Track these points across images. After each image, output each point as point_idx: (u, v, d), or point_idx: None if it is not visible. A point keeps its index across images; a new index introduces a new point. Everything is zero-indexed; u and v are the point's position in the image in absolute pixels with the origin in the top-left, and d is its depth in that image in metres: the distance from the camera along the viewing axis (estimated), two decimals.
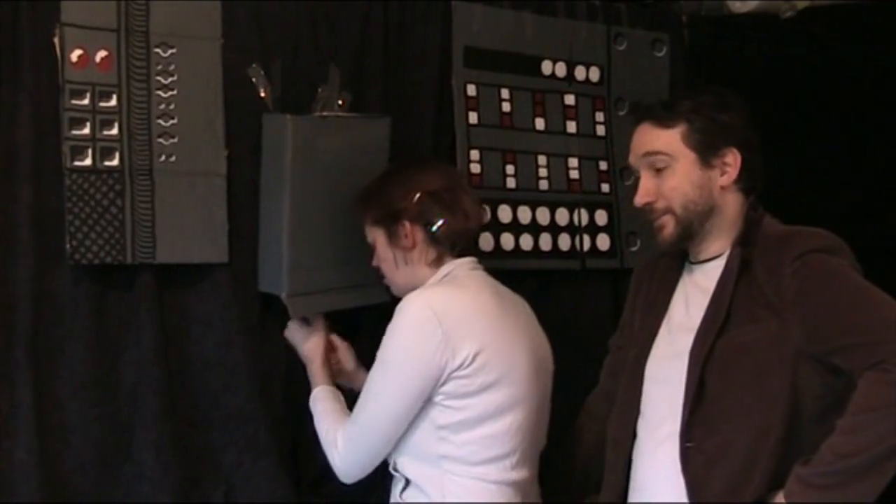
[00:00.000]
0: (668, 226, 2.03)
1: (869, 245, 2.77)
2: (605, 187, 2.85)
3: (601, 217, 2.83)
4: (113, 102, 2.18)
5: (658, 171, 2.02)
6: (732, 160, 2.00)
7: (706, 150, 2.00)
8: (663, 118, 2.03)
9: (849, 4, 2.94)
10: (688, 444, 1.93)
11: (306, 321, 2.32)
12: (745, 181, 2.02)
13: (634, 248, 2.87)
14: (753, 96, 2.94)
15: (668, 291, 2.10)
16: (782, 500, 1.85)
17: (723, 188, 2.01)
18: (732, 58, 3.06)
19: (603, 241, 2.84)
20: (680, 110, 2.02)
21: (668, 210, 2.02)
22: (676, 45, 3.02)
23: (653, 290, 2.14)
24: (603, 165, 2.84)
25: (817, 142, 2.93)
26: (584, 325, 2.75)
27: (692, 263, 2.08)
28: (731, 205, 2.02)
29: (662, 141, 2.02)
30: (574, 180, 2.80)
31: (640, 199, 2.05)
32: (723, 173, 2.01)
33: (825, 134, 2.93)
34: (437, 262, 2.17)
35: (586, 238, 2.81)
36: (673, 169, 2.01)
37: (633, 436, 2.06)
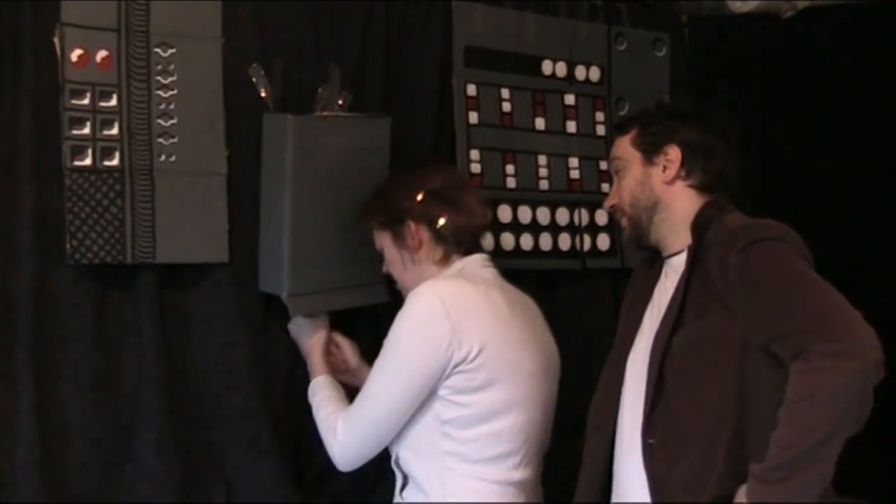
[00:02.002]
0: (626, 225, 2.13)
1: (869, 244, 2.81)
2: (606, 187, 2.83)
3: (601, 217, 2.83)
4: (113, 102, 2.18)
5: (618, 174, 2.15)
6: (674, 156, 2.07)
7: (650, 149, 2.09)
8: (624, 126, 2.16)
9: (849, 4, 2.94)
10: (650, 441, 1.95)
11: (310, 316, 2.33)
12: (699, 179, 2.06)
13: None
14: (753, 96, 2.99)
15: (650, 285, 2.13)
16: (744, 500, 1.84)
17: (667, 183, 2.07)
18: (733, 58, 3.06)
19: (603, 241, 2.84)
20: (636, 116, 2.15)
21: (623, 210, 2.12)
22: (677, 44, 3.02)
23: (642, 286, 2.17)
24: (603, 165, 2.83)
25: (817, 142, 2.93)
26: (584, 324, 2.74)
27: (665, 259, 2.11)
28: (680, 200, 2.07)
29: (619, 147, 2.16)
30: (574, 180, 2.81)
31: (605, 204, 2.20)
32: (664, 169, 2.07)
33: (825, 134, 2.93)
34: (445, 261, 2.18)
35: (587, 238, 2.81)
36: (626, 171, 2.12)
37: (615, 425, 2.07)
